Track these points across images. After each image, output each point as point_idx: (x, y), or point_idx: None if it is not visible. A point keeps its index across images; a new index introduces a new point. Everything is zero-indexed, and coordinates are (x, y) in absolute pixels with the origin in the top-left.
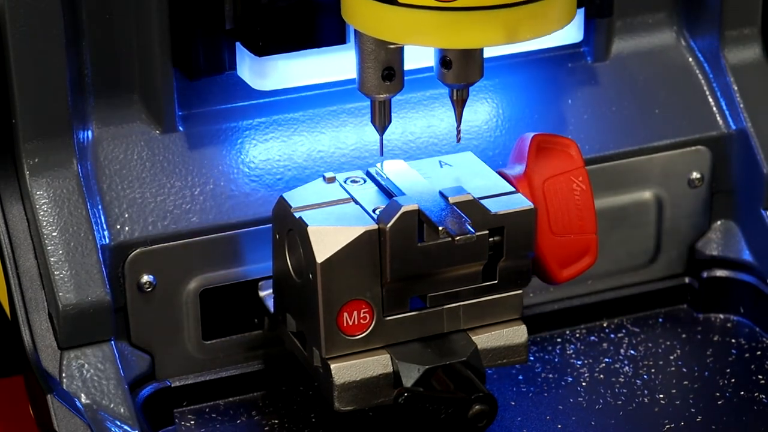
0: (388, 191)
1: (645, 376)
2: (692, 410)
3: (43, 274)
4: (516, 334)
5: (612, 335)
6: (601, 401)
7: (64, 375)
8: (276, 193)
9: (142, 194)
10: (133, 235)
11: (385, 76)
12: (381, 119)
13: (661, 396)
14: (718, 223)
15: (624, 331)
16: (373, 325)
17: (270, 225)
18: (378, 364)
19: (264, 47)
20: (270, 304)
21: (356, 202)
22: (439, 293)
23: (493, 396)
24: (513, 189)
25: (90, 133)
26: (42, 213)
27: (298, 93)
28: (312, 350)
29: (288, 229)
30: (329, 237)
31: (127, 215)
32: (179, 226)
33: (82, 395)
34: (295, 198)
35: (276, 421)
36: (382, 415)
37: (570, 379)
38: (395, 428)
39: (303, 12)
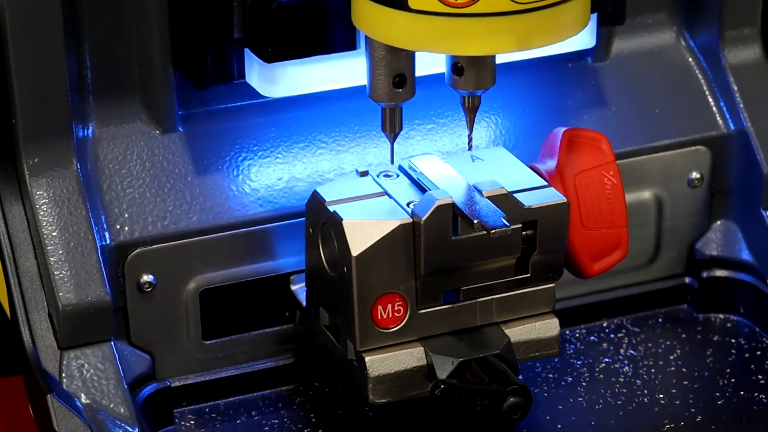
0: (421, 185)
1: (645, 376)
2: (692, 410)
3: (43, 274)
4: (548, 327)
5: (612, 335)
6: (601, 401)
7: (63, 375)
8: (276, 193)
9: (142, 194)
10: (133, 235)
11: (396, 83)
12: (392, 126)
13: (661, 396)
14: (718, 223)
15: (624, 331)
16: (407, 318)
17: (270, 225)
18: (412, 356)
19: (273, 53)
20: (302, 297)
21: (390, 196)
22: (472, 287)
23: (527, 388)
24: (545, 183)
25: (90, 133)
26: (42, 213)
27: (299, 93)
28: (346, 343)
29: (322, 222)
30: (364, 230)
31: (127, 215)
32: (179, 226)
33: (82, 395)
34: (329, 192)
35: (276, 421)
36: (382, 415)
37: (570, 379)
38: (396, 428)
39: (313, 18)
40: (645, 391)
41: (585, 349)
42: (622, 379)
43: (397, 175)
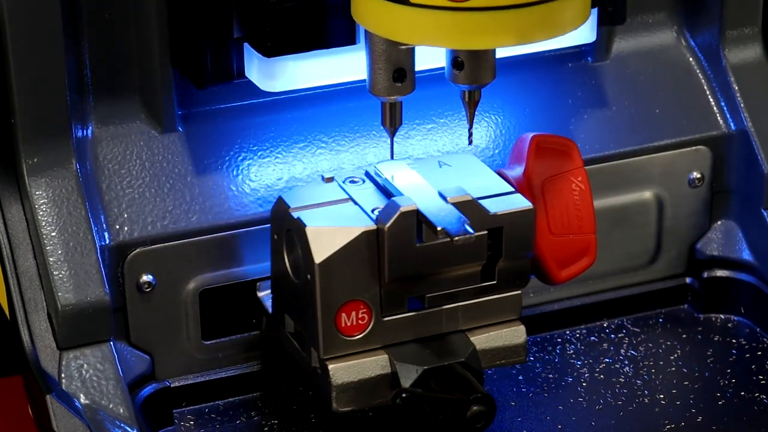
0: (386, 191)
1: (645, 377)
2: (693, 410)
3: (42, 275)
4: (515, 334)
5: (612, 335)
6: (602, 401)
7: (63, 375)
8: (276, 193)
9: (142, 194)
10: (132, 235)
11: (396, 78)
12: (392, 121)
13: (662, 396)
14: (719, 223)
15: (624, 331)
16: (371, 325)
17: (269, 225)
18: (376, 364)
19: (273, 48)
20: (268, 304)
21: (355, 203)
22: (437, 294)
23: (491, 397)
24: (512, 189)
25: (89, 132)
26: (41, 213)
27: (299, 93)
28: (310, 351)
29: (286, 229)
30: (327, 237)
31: (126, 215)
32: (179, 226)
33: (81, 395)
34: (294, 198)
35: (276, 421)
36: (382, 415)
37: (570, 379)
38: (395, 428)
39: (312, 12)
40: (645, 392)
41: (585, 349)
42: (622, 380)
43: (363, 181)
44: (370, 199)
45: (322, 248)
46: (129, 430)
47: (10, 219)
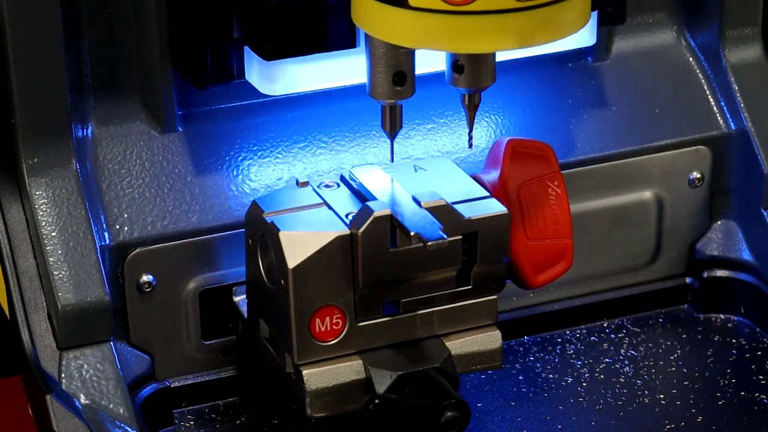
0: (361, 196)
1: (645, 377)
2: (693, 410)
3: (42, 275)
4: (490, 339)
5: (612, 335)
6: (602, 401)
7: (63, 375)
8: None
9: (142, 194)
10: (132, 235)
11: (396, 81)
12: (392, 124)
13: (662, 396)
14: (719, 223)
15: (624, 331)
16: (345, 331)
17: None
18: (350, 370)
19: (273, 51)
20: (244, 309)
21: (329, 207)
22: (412, 299)
23: (465, 403)
24: (487, 194)
25: (89, 132)
26: (41, 213)
27: (300, 93)
28: (284, 356)
29: (260, 233)
30: (301, 242)
31: (126, 215)
32: (178, 226)
33: (82, 395)
34: (268, 202)
35: (276, 421)
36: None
37: (570, 379)
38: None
39: (313, 16)
40: (645, 392)
41: (585, 349)
42: (622, 380)
43: (338, 185)
44: (345, 203)
45: (295, 253)
46: (129, 430)
47: (10, 219)
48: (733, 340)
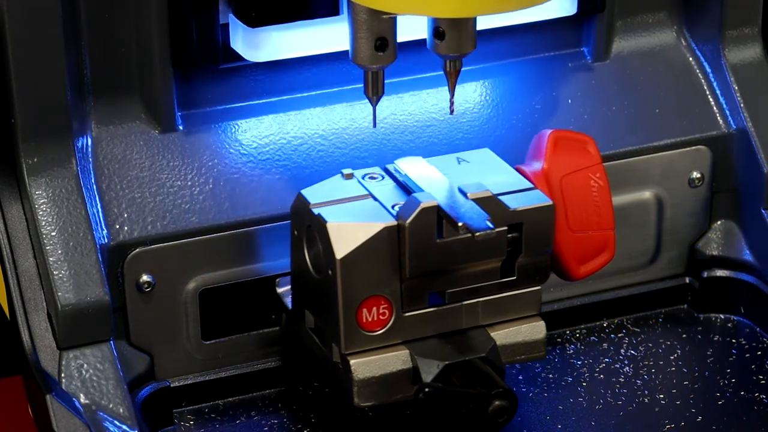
0: (406, 187)
1: (645, 376)
2: (692, 410)
3: (42, 274)
4: (534, 330)
5: (612, 335)
6: (601, 401)
7: (63, 375)
8: (276, 193)
9: (142, 194)
10: (132, 234)
11: (378, 47)
12: (374, 90)
13: (662, 396)
14: (719, 222)
15: (624, 331)
16: (392, 321)
17: (269, 225)
18: (397, 359)
19: (257, 18)
20: (288, 300)
21: (375, 199)
22: (457, 289)
23: (513, 391)
24: (531, 185)
25: (89, 132)
26: (41, 213)
27: (298, 93)
28: (331, 346)
29: (307, 225)
30: (348, 233)
31: (126, 215)
32: (178, 226)
33: (81, 395)
34: (314, 194)
35: (276, 421)
36: (380, 415)
37: (570, 379)
38: (395, 428)
39: None
40: (645, 392)
41: (585, 349)
42: (622, 380)
43: (382, 177)
44: (390, 195)
45: (343, 244)
46: (129, 430)
47: (10, 219)
48: (733, 340)
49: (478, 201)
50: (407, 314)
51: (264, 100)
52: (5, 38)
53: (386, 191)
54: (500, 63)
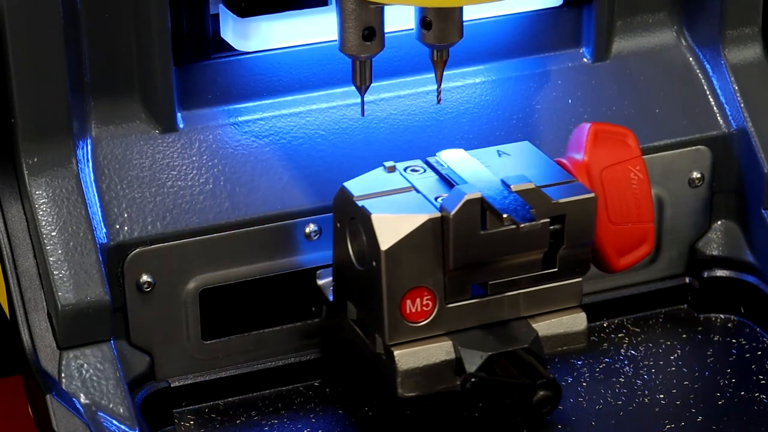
0: (448, 180)
1: (645, 376)
2: (692, 410)
3: (42, 274)
4: (576, 321)
5: (612, 335)
6: (601, 401)
7: (63, 375)
8: (275, 193)
9: (142, 194)
10: (132, 234)
11: (365, 36)
12: (362, 79)
13: (662, 396)
14: (719, 222)
15: (624, 331)
16: (435, 312)
17: (269, 225)
18: (441, 350)
19: (247, 8)
20: (329, 292)
21: (417, 191)
22: (500, 281)
23: (557, 382)
24: (572, 178)
25: (89, 132)
26: (41, 213)
27: (298, 94)
28: (374, 337)
29: (350, 217)
30: (393, 225)
31: (126, 215)
32: (178, 226)
33: (82, 395)
34: (357, 187)
35: (276, 421)
36: (382, 415)
37: (570, 379)
38: (396, 428)
39: None
40: (645, 392)
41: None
42: (622, 380)
43: (424, 170)
44: (433, 187)
45: (387, 235)
46: (129, 429)
47: (10, 219)
48: (733, 340)
49: (522, 193)
50: (450, 305)
51: (264, 101)
52: (5, 38)
53: (429, 183)
54: (500, 63)
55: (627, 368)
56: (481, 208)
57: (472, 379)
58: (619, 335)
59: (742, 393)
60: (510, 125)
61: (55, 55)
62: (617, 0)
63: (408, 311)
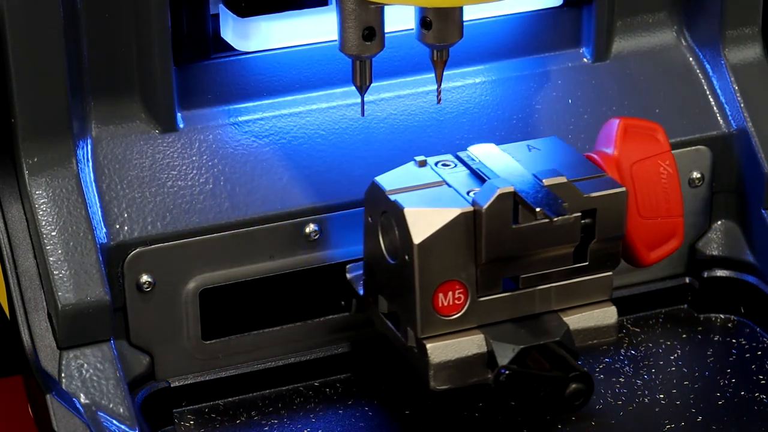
0: (480, 174)
1: (645, 376)
2: (692, 410)
3: (42, 274)
4: (606, 315)
5: None
6: (601, 401)
7: (63, 375)
8: (275, 193)
9: (142, 194)
10: (132, 234)
11: (365, 36)
12: (362, 79)
13: (661, 396)
14: (719, 222)
15: (624, 331)
16: (467, 305)
17: (269, 224)
18: (472, 343)
19: (247, 8)
20: (358, 286)
21: (449, 185)
22: (531, 275)
23: (589, 375)
24: (602, 172)
25: (89, 132)
26: (41, 212)
27: (298, 93)
28: (406, 331)
29: (382, 211)
30: (425, 219)
31: (126, 215)
32: (178, 226)
33: (82, 395)
34: (389, 181)
35: (276, 421)
36: (382, 414)
37: None
38: (395, 428)
39: None
40: (645, 391)
41: None
42: (622, 379)
43: (455, 165)
44: (464, 181)
45: (420, 229)
46: (129, 429)
47: (10, 218)
48: (733, 340)
49: (554, 187)
50: (482, 299)
51: (264, 101)
52: (5, 38)
53: (460, 178)
54: (500, 63)
55: (627, 368)
56: (513, 202)
57: (506, 372)
58: (620, 335)
59: (742, 393)
60: (510, 125)
61: (55, 55)
62: (617, 0)
63: (440, 305)
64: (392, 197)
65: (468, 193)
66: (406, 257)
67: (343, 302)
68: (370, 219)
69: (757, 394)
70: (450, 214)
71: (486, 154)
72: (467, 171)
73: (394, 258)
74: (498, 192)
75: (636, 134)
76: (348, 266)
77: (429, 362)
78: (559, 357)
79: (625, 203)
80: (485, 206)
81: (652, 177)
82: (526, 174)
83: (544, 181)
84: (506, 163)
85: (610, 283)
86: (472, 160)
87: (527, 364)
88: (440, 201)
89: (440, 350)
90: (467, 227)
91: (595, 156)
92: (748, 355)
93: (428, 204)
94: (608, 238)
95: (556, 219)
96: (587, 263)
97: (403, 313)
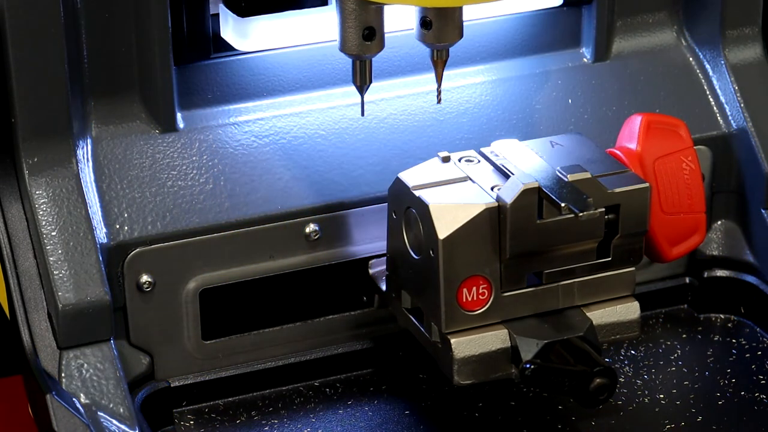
0: (503, 170)
1: (645, 376)
2: (692, 410)
3: (42, 274)
4: (629, 310)
5: None
6: None
7: (63, 375)
8: (275, 193)
9: (142, 194)
10: (132, 234)
11: (365, 36)
12: (362, 79)
13: (661, 396)
14: (719, 223)
15: None
16: (491, 300)
17: (269, 224)
18: (496, 338)
19: (247, 8)
20: (381, 282)
21: (473, 181)
22: (555, 270)
23: (613, 370)
24: (625, 168)
25: (89, 132)
26: (41, 212)
27: (298, 93)
28: (430, 326)
29: (406, 207)
30: (450, 214)
31: (126, 215)
32: (179, 226)
33: (82, 395)
34: (413, 177)
35: (276, 421)
36: (382, 413)
37: None
38: (396, 428)
39: None
40: (645, 391)
41: None
42: (622, 380)
43: (479, 161)
44: (488, 177)
45: (445, 224)
46: (129, 429)
47: (11, 218)
48: (733, 340)
49: (578, 183)
50: (506, 294)
51: (264, 101)
52: (5, 38)
53: (484, 173)
54: (500, 62)
55: (627, 368)
56: (537, 197)
57: (531, 366)
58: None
59: (742, 393)
60: (510, 125)
61: (55, 55)
62: (617, 0)
63: (464, 300)
64: (417, 193)
65: (492, 188)
66: (431, 252)
67: (364, 298)
68: (393, 215)
69: (757, 394)
70: (475, 209)
71: (509, 150)
72: (491, 167)
73: (419, 253)
74: (523, 187)
75: (659, 130)
76: (370, 262)
77: (453, 357)
78: (583, 352)
79: (649, 199)
80: (510, 201)
81: (674, 173)
82: (550, 170)
83: (568, 176)
84: (530, 159)
85: (632, 279)
86: (496, 155)
87: (551, 359)
88: (465, 196)
89: (464, 345)
90: (492, 222)
91: (617, 152)
92: (748, 355)
93: (453, 200)
94: (631, 234)
95: (581, 214)
96: (610, 258)
97: (426, 309)
